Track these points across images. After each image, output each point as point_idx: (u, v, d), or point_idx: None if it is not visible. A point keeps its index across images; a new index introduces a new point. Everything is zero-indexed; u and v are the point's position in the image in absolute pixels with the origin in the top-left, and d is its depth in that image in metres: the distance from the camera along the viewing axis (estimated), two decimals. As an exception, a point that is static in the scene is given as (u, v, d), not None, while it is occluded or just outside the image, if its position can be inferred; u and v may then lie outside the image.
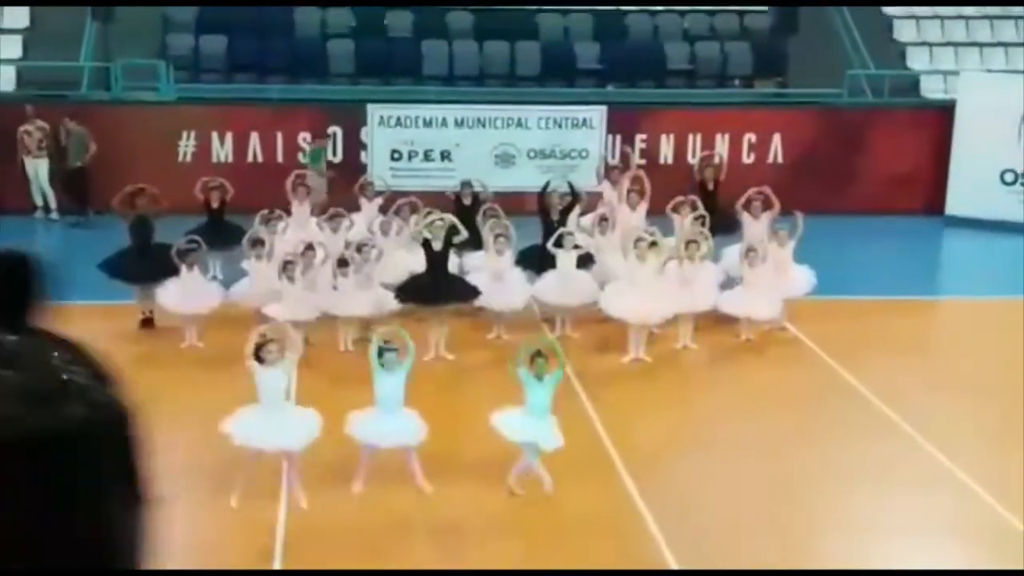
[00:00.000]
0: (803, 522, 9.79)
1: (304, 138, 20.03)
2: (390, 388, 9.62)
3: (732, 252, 14.69)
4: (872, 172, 20.79)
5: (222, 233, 15.16)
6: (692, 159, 20.20)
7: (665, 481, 10.30)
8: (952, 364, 13.75)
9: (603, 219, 15.03)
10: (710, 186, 16.20)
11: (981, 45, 22.78)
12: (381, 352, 9.70)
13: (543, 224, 14.87)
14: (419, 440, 9.78)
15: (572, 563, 8.89)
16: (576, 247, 14.02)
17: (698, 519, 9.65)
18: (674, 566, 8.88)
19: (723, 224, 15.16)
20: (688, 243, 13.83)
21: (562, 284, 13.91)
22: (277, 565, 8.81)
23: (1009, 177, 20.38)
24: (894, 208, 20.44)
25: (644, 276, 13.31)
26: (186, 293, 13.45)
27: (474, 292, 13.57)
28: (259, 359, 9.53)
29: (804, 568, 8.95)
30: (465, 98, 20.64)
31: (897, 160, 20.79)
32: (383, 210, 15.95)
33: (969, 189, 20.29)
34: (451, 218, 13.80)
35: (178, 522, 9.43)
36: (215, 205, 15.42)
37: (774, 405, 12.30)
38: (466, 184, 16.15)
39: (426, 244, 13.39)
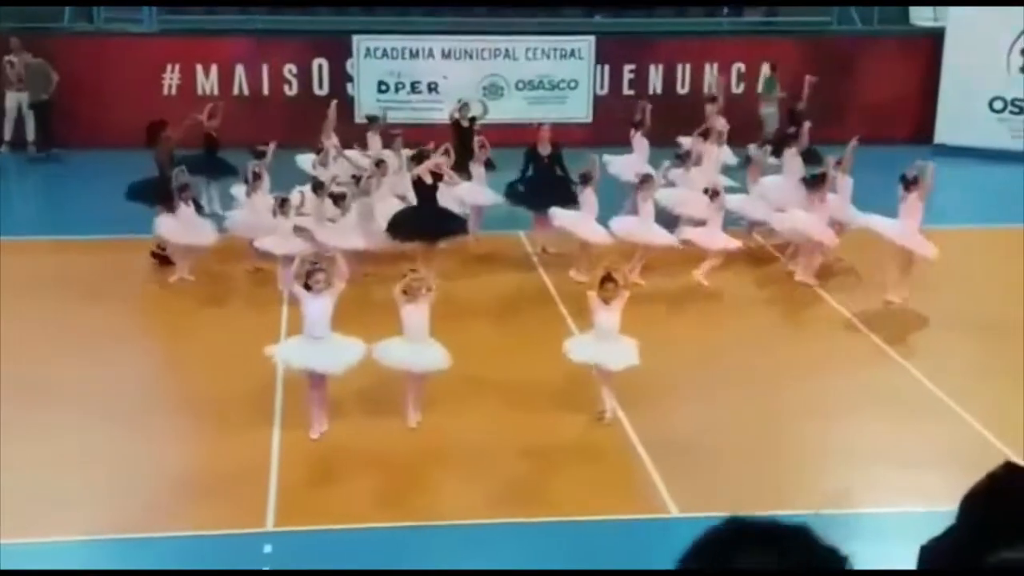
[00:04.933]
0: (796, 453, 9.88)
1: (290, 69, 19.83)
2: (414, 318, 9.74)
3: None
4: (861, 101, 20.71)
5: (219, 163, 15.14)
6: (681, 89, 20.13)
7: (657, 412, 10.37)
8: (942, 293, 13.80)
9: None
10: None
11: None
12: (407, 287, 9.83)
13: (534, 160, 14.74)
14: (443, 367, 9.91)
15: (563, 492, 8.99)
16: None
17: (688, 450, 9.73)
18: (665, 495, 8.98)
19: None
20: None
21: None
22: (274, 476, 8.89)
23: (998, 105, 20.36)
24: (883, 137, 20.33)
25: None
26: (183, 225, 13.44)
27: (464, 225, 13.56)
28: (307, 287, 9.59)
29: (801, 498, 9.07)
30: (452, 28, 20.43)
31: (886, 88, 20.71)
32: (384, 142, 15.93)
33: (958, 117, 20.26)
34: (439, 159, 13.66)
35: (176, 451, 9.54)
36: (214, 133, 15.33)
37: (767, 338, 12.36)
38: (464, 106, 16.09)
39: (417, 182, 13.33)
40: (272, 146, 14.52)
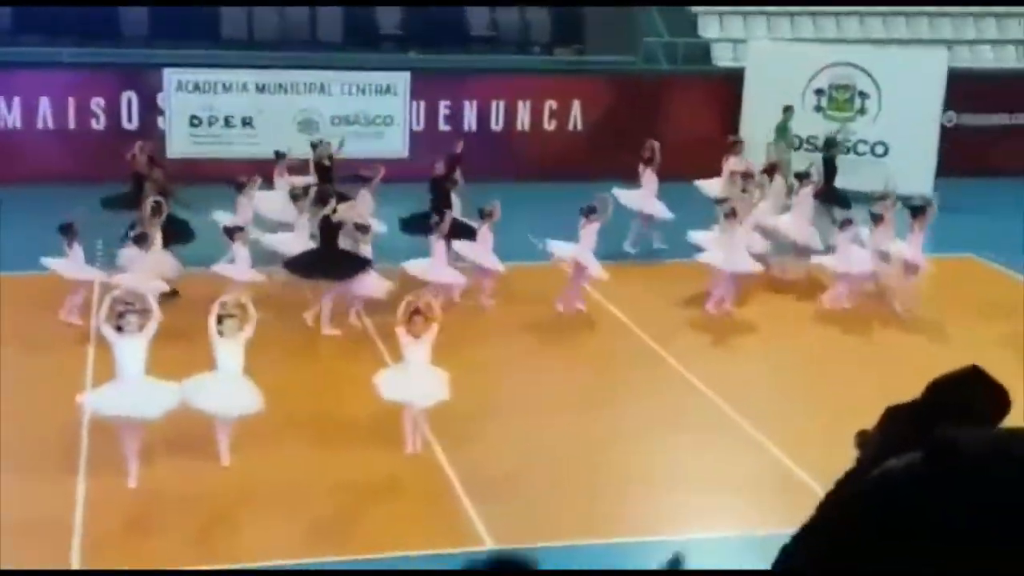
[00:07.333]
0: (608, 480, 10.13)
1: (98, 103, 19.36)
2: (227, 355, 9.61)
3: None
4: (667, 139, 21.33)
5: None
6: (496, 126, 20.48)
7: (469, 444, 10.51)
8: (746, 324, 14.39)
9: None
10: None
11: (768, 14, 23.64)
12: (221, 319, 9.65)
13: (438, 190, 14.93)
14: (256, 410, 9.81)
15: (378, 528, 9.04)
16: None
17: (501, 481, 9.89)
18: (480, 528, 9.11)
19: None
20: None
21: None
22: (79, 524, 8.65)
23: (794, 142, 21.33)
24: (688, 175, 21.08)
25: None
26: (75, 264, 13.06)
27: (363, 264, 13.31)
28: (118, 328, 9.36)
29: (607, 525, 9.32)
30: (266, 63, 20.31)
31: (691, 127, 21.44)
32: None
33: (757, 155, 21.08)
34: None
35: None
36: (143, 170, 14.90)
37: (576, 367, 12.66)
38: (322, 144, 16.20)
39: (324, 223, 13.25)
40: (257, 180, 14.65)
